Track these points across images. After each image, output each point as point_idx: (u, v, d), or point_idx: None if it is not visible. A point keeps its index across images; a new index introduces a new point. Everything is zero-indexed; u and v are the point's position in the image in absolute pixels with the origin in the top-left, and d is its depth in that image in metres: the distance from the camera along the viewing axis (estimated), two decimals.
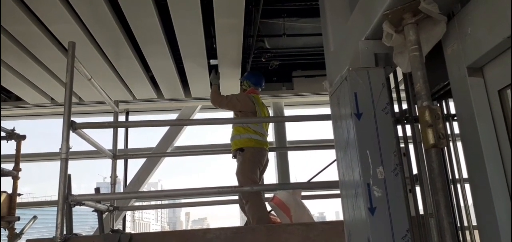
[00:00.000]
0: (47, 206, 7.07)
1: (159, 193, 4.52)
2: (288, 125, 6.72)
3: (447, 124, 2.36)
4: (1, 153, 6.42)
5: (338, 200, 5.04)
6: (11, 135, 4.78)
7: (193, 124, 6.43)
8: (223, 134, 4.44)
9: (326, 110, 6.93)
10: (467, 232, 2.20)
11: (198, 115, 6.75)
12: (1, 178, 4.73)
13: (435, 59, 2.01)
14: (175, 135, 6.51)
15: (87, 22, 4.05)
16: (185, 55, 4.85)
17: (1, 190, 4.59)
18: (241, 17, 4.07)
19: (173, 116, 6.87)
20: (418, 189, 2.21)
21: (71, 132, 3.08)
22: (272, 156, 6.40)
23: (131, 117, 6.90)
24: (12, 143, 4.83)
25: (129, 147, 6.66)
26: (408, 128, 2.31)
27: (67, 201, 2.97)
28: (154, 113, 7.04)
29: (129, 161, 6.33)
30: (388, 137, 1.86)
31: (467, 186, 2.13)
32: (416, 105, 2.27)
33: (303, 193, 4.48)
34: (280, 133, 6.50)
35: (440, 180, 1.64)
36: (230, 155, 4.44)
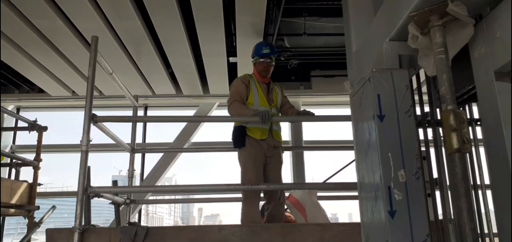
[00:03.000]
0: (66, 197, 7.21)
1: (175, 188, 4.57)
2: (305, 124, 6.69)
3: (470, 128, 2.31)
4: (24, 144, 6.61)
5: (352, 202, 5.03)
6: (33, 126, 4.89)
7: (210, 121, 6.47)
8: None
9: (344, 111, 6.92)
10: (487, 239, 2.15)
11: (215, 112, 6.79)
12: (23, 167, 4.85)
13: (460, 62, 1.97)
14: (192, 131, 6.56)
15: (111, 17, 4.12)
16: (205, 52, 4.89)
17: (22, 179, 4.70)
18: (262, 15, 4.08)
19: (190, 112, 6.93)
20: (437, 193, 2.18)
21: (91, 124, 3.13)
22: (287, 155, 6.40)
23: (150, 112, 6.99)
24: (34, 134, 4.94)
25: (146, 141, 6.75)
26: (429, 131, 2.27)
27: (86, 193, 3.02)
28: (172, 108, 7.11)
29: (146, 154, 6.42)
30: (411, 140, 1.84)
31: (487, 192, 2.09)
32: (438, 109, 2.25)
33: (319, 194, 4.46)
34: (297, 132, 6.48)
35: (463, 186, 1.62)
36: None
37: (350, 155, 5.09)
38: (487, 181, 2.05)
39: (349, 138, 2.75)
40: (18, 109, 6.81)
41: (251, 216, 3.46)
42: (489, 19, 1.74)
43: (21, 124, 5.17)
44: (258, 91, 3.74)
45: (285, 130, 6.59)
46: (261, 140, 3.62)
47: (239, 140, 3.65)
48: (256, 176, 3.55)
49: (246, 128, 3.63)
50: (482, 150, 2.13)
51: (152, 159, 6.92)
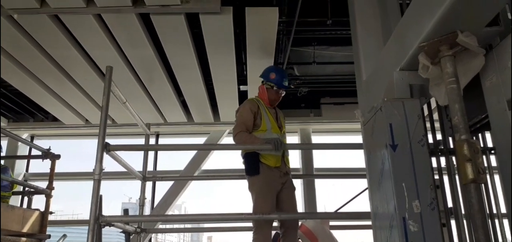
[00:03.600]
0: (78, 225, 7.21)
1: (186, 217, 4.53)
2: (315, 152, 6.66)
3: (484, 157, 2.28)
4: (37, 172, 6.67)
5: (364, 231, 4.93)
6: (47, 154, 4.93)
7: (221, 149, 6.47)
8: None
9: (354, 139, 6.88)
10: None
11: (225, 139, 6.81)
12: (35, 195, 4.88)
13: (472, 91, 1.97)
14: (202, 159, 6.56)
15: (124, 46, 4.21)
16: (216, 80, 4.95)
17: (34, 207, 4.73)
18: (272, 46, 4.14)
19: (201, 139, 6.95)
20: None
21: (104, 153, 3.15)
22: (298, 183, 6.36)
23: (161, 140, 7.03)
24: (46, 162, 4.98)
25: (157, 168, 6.77)
26: (442, 159, 2.25)
27: (98, 221, 3.02)
28: (183, 136, 7.14)
29: (157, 182, 6.43)
30: (424, 170, 1.83)
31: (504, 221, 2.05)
32: (450, 138, 2.23)
33: (331, 223, 4.40)
34: (307, 160, 6.45)
35: (480, 217, 1.59)
36: None
37: (362, 183, 5.03)
38: (503, 209, 2.02)
39: (360, 165, 2.72)
40: (32, 138, 6.91)
41: None
42: (500, 49, 1.75)
43: (35, 151, 5.23)
44: (269, 117, 3.62)
45: (295, 158, 6.57)
46: (275, 168, 3.49)
47: (253, 167, 3.47)
48: (271, 206, 3.40)
49: (260, 154, 3.48)
50: (497, 178, 2.11)
51: (163, 186, 6.92)
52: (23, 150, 6.60)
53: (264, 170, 3.47)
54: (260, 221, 3.36)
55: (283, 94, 3.73)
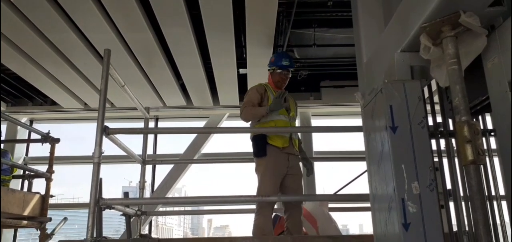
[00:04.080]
0: (78, 209, 7.26)
1: (186, 200, 4.57)
2: (315, 135, 6.68)
3: (483, 139, 2.28)
4: (37, 156, 6.68)
5: (362, 213, 4.97)
6: (46, 138, 4.94)
7: (220, 132, 6.47)
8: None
9: (354, 122, 6.88)
10: None
11: (225, 123, 6.81)
12: (35, 179, 4.90)
13: (473, 72, 1.95)
14: (202, 142, 6.58)
15: (122, 30, 4.17)
16: (216, 64, 4.92)
17: (35, 191, 4.75)
18: (272, 27, 4.10)
19: (201, 123, 6.95)
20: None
21: (103, 136, 3.15)
22: None
23: (161, 124, 7.04)
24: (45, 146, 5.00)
25: (157, 152, 6.78)
26: (441, 141, 2.25)
27: (98, 204, 3.03)
28: (182, 120, 7.14)
29: (157, 165, 6.46)
30: (424, 152, 1.82)
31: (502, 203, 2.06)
32: (450, 119, 2.23)
33: (330, 205, 4.43)
34: (307, 143, 6.46)
35: (478, 198, 1.60)
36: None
37: (361, 165, 5.04)
38: (501, 191, 2.02)
39: (360, 148, 2.72)
40: (31, 122, 6.91)
41: (263, 228, 3.42)
42: (502, 29, 1.73)
43: (34, 135, 5.23)
44: None
45: None
46: (283, 148, 3.53)
47: (261, 148, 3.53)
48: (274, 188, 3.46)
49: (267, 136, 3.53)
50: (496, 160, 2.11)
51: (163, 170, 6.95)
52: (22, 134, 6.61)
53: (271, 152, 3.52)
54: (262, 202, 3.41)
55: (287, 75, 3.76)
